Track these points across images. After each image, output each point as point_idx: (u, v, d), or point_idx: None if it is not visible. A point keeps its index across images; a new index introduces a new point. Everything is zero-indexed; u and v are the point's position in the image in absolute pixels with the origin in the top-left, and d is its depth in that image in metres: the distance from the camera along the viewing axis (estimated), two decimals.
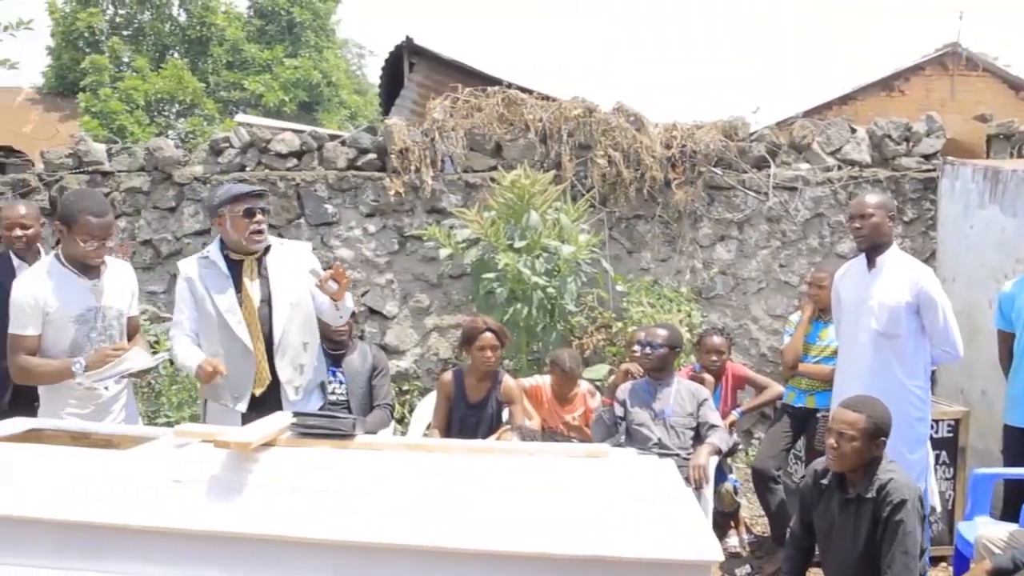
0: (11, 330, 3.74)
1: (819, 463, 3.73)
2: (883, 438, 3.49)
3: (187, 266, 3.95)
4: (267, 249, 3.97)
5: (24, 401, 4.29)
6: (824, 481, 3.64)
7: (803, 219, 7.01)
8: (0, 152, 7.74)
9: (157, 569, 2.51)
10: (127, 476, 2.64)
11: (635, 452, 2.97)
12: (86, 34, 19.18)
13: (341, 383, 4.99)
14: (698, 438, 4.82)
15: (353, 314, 5.06)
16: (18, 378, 3.83)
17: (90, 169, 7.31)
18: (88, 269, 3.80)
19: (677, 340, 5.03)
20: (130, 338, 4.02)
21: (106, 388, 3.83)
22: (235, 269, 3.89)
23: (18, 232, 4.59)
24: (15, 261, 4.64)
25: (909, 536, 3.32)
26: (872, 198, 4.35)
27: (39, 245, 4.73)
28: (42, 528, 2.57)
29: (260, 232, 3.87)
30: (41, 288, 3.70)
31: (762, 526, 5.53)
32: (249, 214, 3.82)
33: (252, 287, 3.89)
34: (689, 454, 4.70)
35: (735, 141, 7.04)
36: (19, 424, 3.35)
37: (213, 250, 3.93)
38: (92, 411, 3.79)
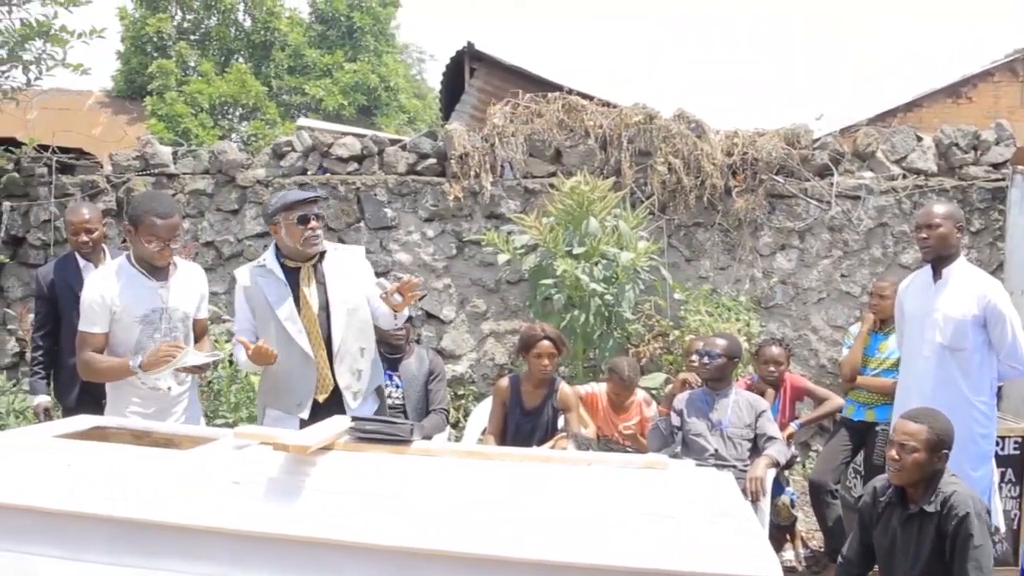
0: (80, 327, 3.83)
1: (879, 480, 3.66)
2: (945, 451, 3.41)
3: (243, 275, 3.96)
4: (322, 255, 3.98)
5: (90, 399, 4.39)
6: (884, 498, 3.57)
7: (866, 228, 6.90)
8: (70, 154, 7.92)
9: (213, 569, 2.52)
10: (186, 476, 2.67)
11: (693, 464, 2.95)
12: (154, 39, 19.59)
13: (398, 387, 5.01)
14: (755, 450, 4.76)
15: (410, 319, 5.09)
16: (83, 374, 3.91)
17: (156, 171, 7.46)
18: (157, 270, 3.86)
19: (736, 350, 4.97)
20: (197, 340, 4.07)
21: (169, 388, 3.89)
22: (292, 276, 3.91)
23: (84, 237, 4.71)
24: (81, 262, 4.76)
25: (980, 549, 3.24)
26: (940, 208, 4.25)
27: (104, 246, 4.84)
28: (100, 524, 2.60)
29: (316, 238, 3.87)
30: (110, 288, 3.77)
31: (818, 540, 5.45)
32: (303, 221, 3.82)
33: (310, 294, 3.90)
34: (746, 466, 4.64)
35: (798, 149, 6.95)
36: (84, 422, 3.40)
37: (269, 258, 3.94)
38: (155, 411, 3.85)
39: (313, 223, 3.85)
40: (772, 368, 5.35)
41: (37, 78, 7.62)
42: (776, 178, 6.91)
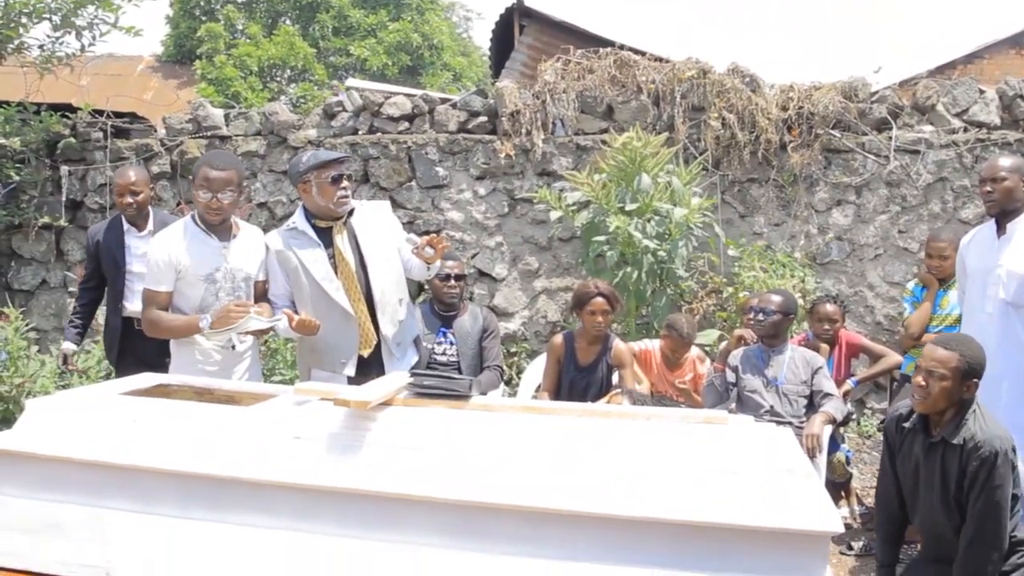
0: (145, 285, 3.90)
1: (902, 406, 3.52)
2: (975, 379, 3.27)
3: (275, 240, 3.99)
4: (350, 212, 4.01)
5: (132, 360, 4.51)
6: (907, 424, 3.46)
7: (925, 183, 6.75)
8: (124, 119, 8.02)
9: (276, 522, 2.57)
10: (249, 432, 2.71)
11: (752, 419, 2.93)
12: (202, 3, 19.69)
13: (452, 344, 5.03)
14: (811, 406, 4.73)
15: (464, 276, 5.11)
16: (148, 331, 3.97)
17: (208, 134, 7.53)
18: (219, 231, 3.90)
19: (791, 307, 4.92)
20: (257, 301, 4.10)
21: (233, 347, 3.94)
22: (324, 236, 3.93)
23: (128, 199, 4.78)
24: (125, 225, 4.83)
25: (999, 491, 3.12)
26: (1006, 161, 4.14)
27: (149, 210, 4.91)
28: (169, 479, 2.66)
29: (347, 197, 3.91)
30: (175, 247, 3.83)
31: (874, 497, 5.40)
32: (336, 180, 3.85)
33: (345, 250, 3.93)
34: (802, 422, 4.62)
35: (855, 102, 6.81)
36: (148, 379, 3.47)
37: (299, 220, 3.97)
38: (220, 368, 3.91)
39: (345, 183, 3.89)
40: (827, 325, 5.30)
41: (91, 43, 7.71)
42: (832, 132, 6.78)
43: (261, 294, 4.15)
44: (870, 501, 5.38)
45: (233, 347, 3.94)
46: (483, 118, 7.13)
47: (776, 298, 4.87)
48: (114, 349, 4.81)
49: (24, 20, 7.29)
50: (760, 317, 4.81)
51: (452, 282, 4.96)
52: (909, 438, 3.46)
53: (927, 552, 3.56)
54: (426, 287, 5.15)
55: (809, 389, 4.75)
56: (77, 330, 5.04)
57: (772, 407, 4.69)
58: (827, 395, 4.69)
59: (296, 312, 3.88)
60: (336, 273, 3.91)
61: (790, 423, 4.54)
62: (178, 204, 7.27)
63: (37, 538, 2.75)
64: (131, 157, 7.59)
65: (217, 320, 3.73)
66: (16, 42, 7.34)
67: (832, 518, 2.27)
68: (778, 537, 2.27)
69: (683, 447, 2.48)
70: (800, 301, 5.88)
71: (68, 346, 5.03)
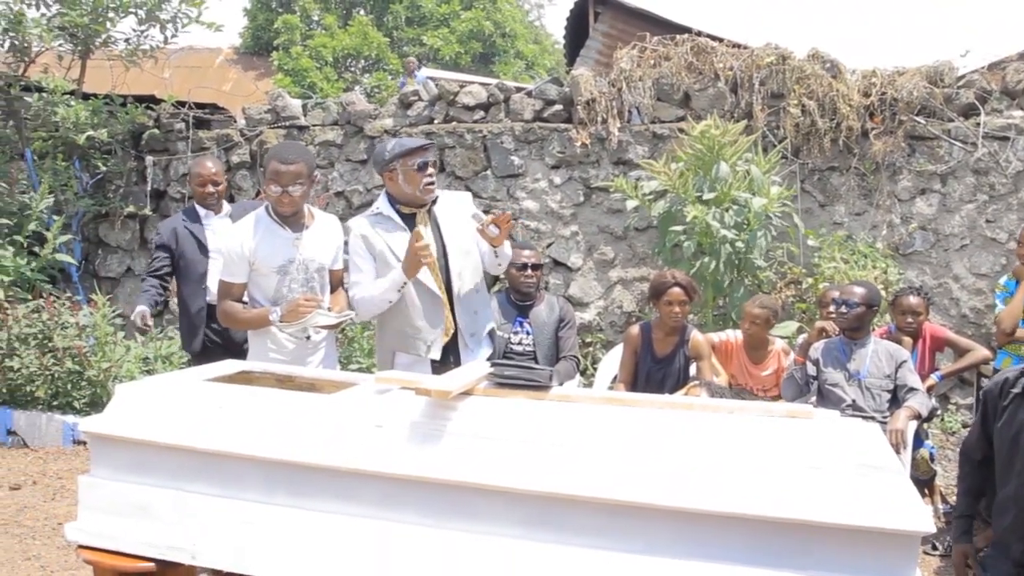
0: (220, 276, 3.96)
1: (1012, 371, 3.40)
2: None
3: (360, 225, 3.97)
4: (433, 201, 4.01)
5: (215, 348, 4.59)
6: (1016, 389, 3.27)
7: (1015, 171, 6.52)
8: (205, 109, 8.18)
9: (358, 509, 2.59)
10: (331, 419, 2.73)
11: (838, 414, 2.87)
12: None
13: (528, 334, 5.03)
14: (894, 401, 4.62)
15: (540, 265, 5.10)
16: (223, 321, 4.05)
17: (287, 124, 7.65)
18: (292, 221, 3.92)
19: (875, 298, 4.81)
20: (333, 290, 4.13)
21: (308, 337, 3.98)
22: (408, 222, 3.92)
23: (210, 188, 4.86)
24: (201, 211, 4.90)
25: None
26: None
27: (223, 199, 5.00)
28: (252, 465, 2.70)
29: (432, 184, 3.91)
30: (248, 238, 3.86)
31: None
32: (422, 167, 3.85)
33: (428, 237, 3.90)
34: (885, 417, 4.51)
35: (941, 87, 6.62)
36: (231, 366, 3.52)
37: (384, 205, 3.96)
38: (294, 357, 3.93)
39: (431, 170, 3.89)
40: (910, 318, 5.16)
41: (174, 36, 7.89)
42: (917, 119, 6.60)
43: (337, 283, 4.18)
44: (954, 499, 5.25)
45: (308, 337, 3.98)
46: (558, 107, 7.10)
47: (859, 290, 4.77)
48: (195, 338, 4.86)
49: (111, 15, 7.48)
50: (843, 309, 4.71)
51: (529, 271, 4.95)
52: (1015, 404, 3.29)
53: (1018, 529, 3.38)
54: (502, 276, 5.15)
55: (893, 383, 4.64)
56: (149, 295, 4.88)
57: (854, 401, 4.60)
58: (912, 390, 4.58)
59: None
60: None
61: (873, 418, 4.44)
62: (257, 193, 7.40)
63: (126, 520, 2.81)
64: (212, 147, 7.74)
65: (287, 314, 3.76)
66: (103, 36, 7.54)
67: (923, 517, 2.20)
68: (866, 536, 2.21)
69: (767, 441, 2.43)
70: (882, 293, 5.74)
71: (143, 308, 4.82)
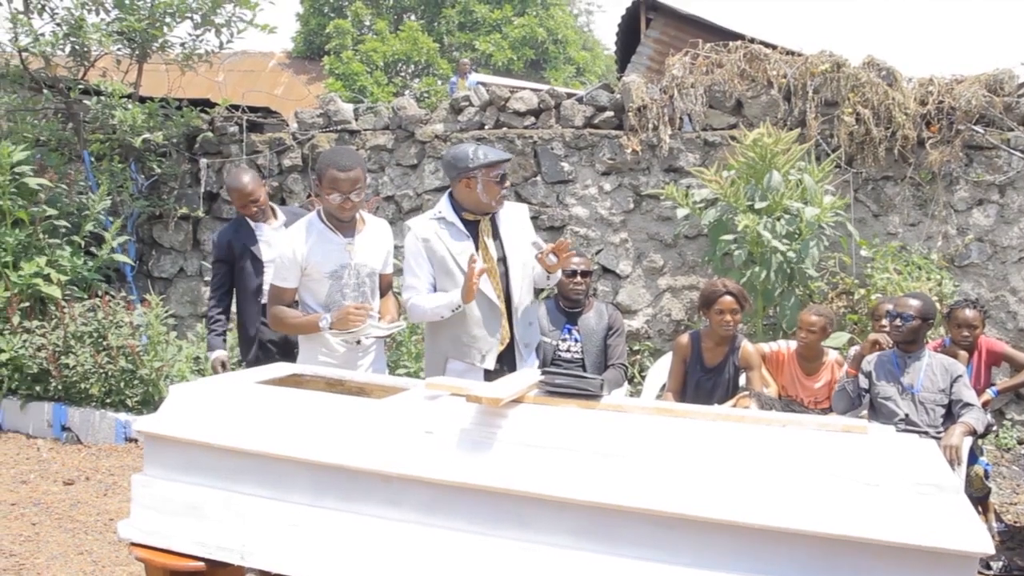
0: (272, 281, 4.01)
1: None
2: None
3: (422, 226, 3.94)
4: None
5: (267, 356, 4.63)
6: None
7: None
8: (258, 113, 8.28)
9: (407, 515, 2.60)
10: (381, 424, 2.74)
11: (893, 429, 2.82)
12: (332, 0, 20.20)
13: (576, 341, 5.01)
14: (949, 416, 4.54)
15: (590, 272, 5.08)
16: (273, 325, 4.09)
17: (339, 128, 7.71)
18: (344, 226, 3.95)
19: (930, 311, 4.72)
20: (383, 294, 4.17)
21: (358, 342, 4.00)
22: (471, 228, 3.92)
23: (252, 208, 4.87)
24: (252, 223, 4.92)
25: None
26: None
27: (271, 205, 5.01)
28: (302, 468, 2.72)
29: (506, 195, 3.94)
30: (300, 244, 3.89)
31: (1013, 514, 5.16)
32: (503, 179, 3.86)
33: (490, 246, 3.93)
34: (939, 432, 4.43)
35: (1000, 96, 6.49)
36: (281, 369, 3.55)
37: (447, 210, 3.93)
38: (343, 361, 3.97)
39: (506, 182, 3.91)
40: (966, 331, 5.06)
41: (229, 40, 7.99)
42: (975, 128, 6.48)
43: (386, 287, 4.21)
44: (1009, 518, 5.15)
45: (358, 342, 4.00)
46: (609, 113, 7.08)
47: (914, 302, 4.69)
48: (250, 348, 4.88)
49: (168, 20, 7.60)
50: (897, 322, 4.63)
51: (578, 278, 4.94)
52: None
53: None
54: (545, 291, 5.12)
55: (947, 398, 4.56)
56: (222, 336, 5.02)
57: (907, 415, 4.52)
58: (967, 405, 4.49)
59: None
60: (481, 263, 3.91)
61: (926, 433, 4.36)
62: (308, 197, 7.46)
63: (177, 519, 2.85)
64: (264, 151, 7.82)
65: (336, 322, 3.79)
66: (160, 41, 7.66)
67: (983, 538, 2.16)
68: (922, 555, 2.17)
69: (821, 455, 2.39)
70: (937, 305, 5.64)
71: (221, 354, 4.97)
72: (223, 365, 4.93)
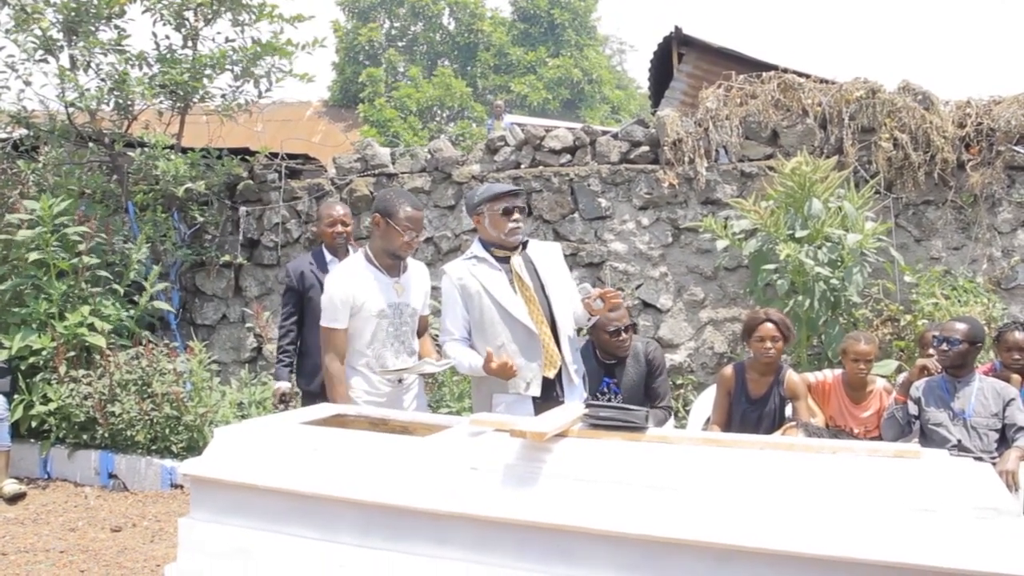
0: (322, 323, 4.04)
1: None
2: None
3: (457, 269, 4.02)
4: (524, 244, 4.08)
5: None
6: None
7: None
8: (297, 159, 8.39)
9: (454, 552, 2.58)
10: (426, 462, 2.74)
11: (947, 454, 2.76)
12: (366, 48, 20.52)
13: (616, 394, 4.93)
14: (1003, 441, 4.44)
15: (633, 326, 5.05)
16: (327, 378, 4.08)
17: (376, 172, 7.77)
18: (391, 267, 4.05)
19: (978, 335, 4.64)
20: (420, 335, 4.26)
21: (400, 381, 4.06)
22: (502, 262, 4.00)
23: (339, 228, 5.01)
24: (327, 256, 5.01)
25: None
26: None
27: (350, 243, 5.10)
28: (348, 508, 2.72)
29: (518, 229, 3.97)
30: (350, 284, 3.97)
31: None
32: (508, 212, 3.93)
33: (523, 273, 3.98)
34: (993, 458, 4.33)
35: None
36: (325, 409, 3.57)
37: (478, 249, 4.04)
38: (386, 401, 4.02)
39: (516, 215, 3.96)
40: (1017, 355, 4.96)
41: (268, 90, 8.12)
42: (1016, 148, 6.39)
43: (424, 328, 4.28)
44: None
45: (400, 381, 4.05)
46: (645, 148, 7.08)
47: (961, 326, 4.61)
48: (315, 378, 4.79)
49: (209, 72, 7.75)
50: (944, 347, 4.56)
51: (623, 335, 4.87)
52: None
53: None
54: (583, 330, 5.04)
55: (1000, 422, 4.47)
56: (289, 369, 5.05)
57: (959, 441, 4.43)
58: (1021, 429, 4.40)
59: (470, 342, 3.98)
60: (516, 294, 3.94)
61: (980, 458, 4.26)
62: (356, 239, 7.52)
63: (224, 561, 2.85)
64: (303, 196, 7.91)
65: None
66: (201, 93, 7.80)
67: None
68: None
69: (874, 482, 2.35)
70: (985, 329, 5.54)
71: (284, 385, 5.00)
72: (283, 397, 4.97)
